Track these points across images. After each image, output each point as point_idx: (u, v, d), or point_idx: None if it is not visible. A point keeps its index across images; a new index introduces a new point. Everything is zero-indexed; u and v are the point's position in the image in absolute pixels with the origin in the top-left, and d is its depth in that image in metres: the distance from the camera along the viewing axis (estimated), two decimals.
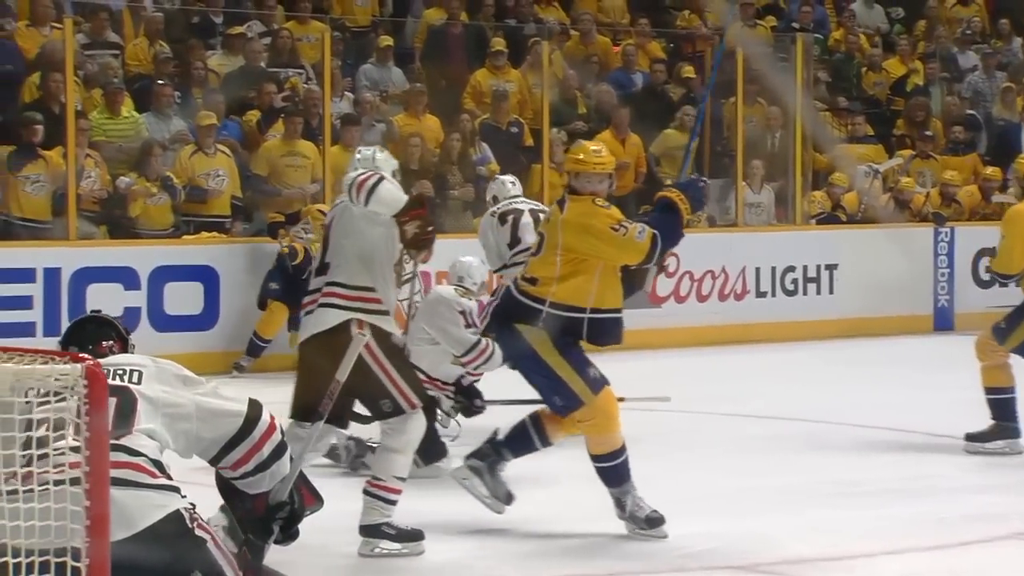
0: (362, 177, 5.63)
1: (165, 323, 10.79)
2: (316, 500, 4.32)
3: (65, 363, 2.86)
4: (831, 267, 13.44)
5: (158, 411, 3.80)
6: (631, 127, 13.11)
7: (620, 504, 5.89)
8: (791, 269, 13.33)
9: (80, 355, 2.94)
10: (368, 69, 13.44)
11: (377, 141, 12.46)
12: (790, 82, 13.55)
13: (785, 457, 7.56)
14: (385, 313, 5.76)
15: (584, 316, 5.87)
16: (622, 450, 5.89)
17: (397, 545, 5.71)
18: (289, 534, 4.04)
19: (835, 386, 9.16)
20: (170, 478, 3.83)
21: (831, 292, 13.43)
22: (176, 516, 3.73)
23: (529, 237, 7.56)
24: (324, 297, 5.75)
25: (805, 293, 13.39)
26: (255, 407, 3.88)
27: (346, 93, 12.86)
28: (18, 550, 3.00)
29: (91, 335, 4.01)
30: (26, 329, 10.17)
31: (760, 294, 13.13)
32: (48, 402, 3.25)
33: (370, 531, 5.76)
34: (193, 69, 12.30)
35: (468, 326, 7.19)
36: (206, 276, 11.03)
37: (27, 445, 3.12)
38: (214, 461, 3.89)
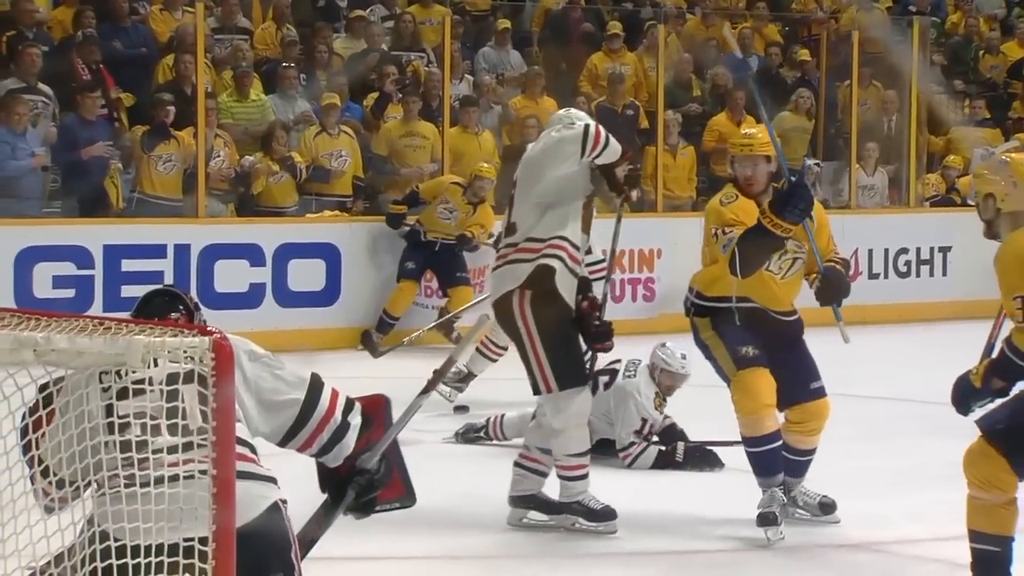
0: (592, 130, 5.63)
1: (289, 299, 10.89)
2: (406, 492, 4.19)
3: (194, 335, 2.86)
4: (945, 249, 13.22)
5: (241, 399, 3.74)
6: (745, 110, 12.98)
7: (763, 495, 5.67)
8: (904, 251, 13.15)
9: (207, 327, 2.94)
10: (487, 52, 13.44)
11: (494, 123, 12.49)
12: (908, 60, 13.35)
13: (899, 439, 7.45)
14: (575, 260, 5.66)
15: (732, 306, 5.67)
16: (764, 438, 5.63)
17: (593, 524, 5.70)
18: (362, 504, 3.97)
19: (949, 368, 8.95)
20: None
21: (944, 274, 13.22)
22: (274, 507, 3.73)
23: None
24: (514, 254, 5.69)
25: (918, 275, 13.19)
26: (313, 391, 3.82)
27: (465, 76, 12.87)
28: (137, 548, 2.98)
29: (159, 308, 3.94)
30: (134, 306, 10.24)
31: (873, 276, 12.96)
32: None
33: (517, 501, 5.78)
34: (317, 52, 12.38)
35: (640, 432, 6.81)
36: (328, 253, 11.11)
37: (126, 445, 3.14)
38: (280, 445, 3.86)
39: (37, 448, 3.11)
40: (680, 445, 6.83)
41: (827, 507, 5.88)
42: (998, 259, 4.65)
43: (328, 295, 11.07)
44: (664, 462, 6.74)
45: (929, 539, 5.61)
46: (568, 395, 5.59)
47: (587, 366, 5.84)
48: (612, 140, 5.68)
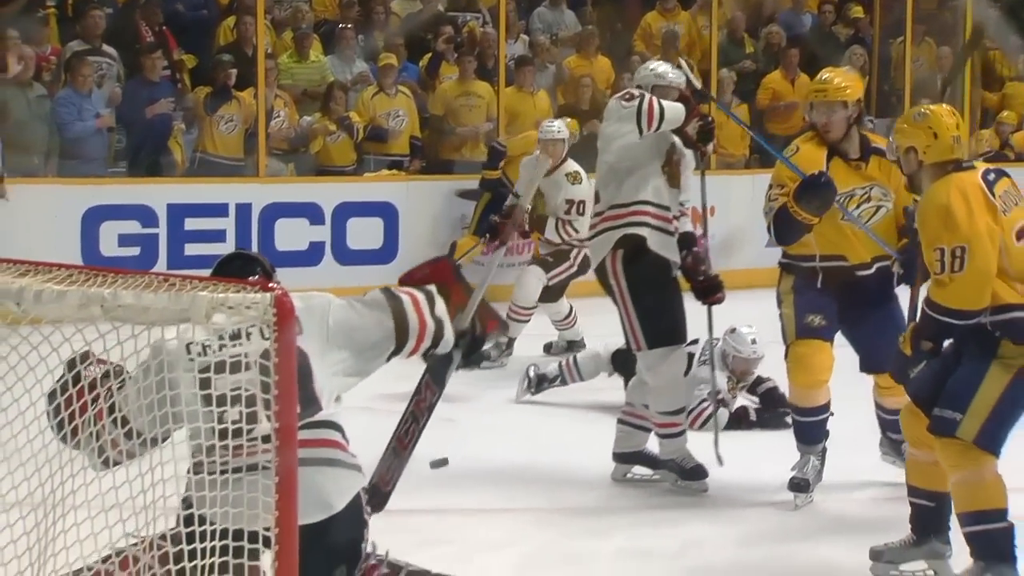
0: (644, 107, 5.58)
1: (348, 257, 10.94)
2: (500, 325, 4.35)
3: (256, 291, 2.88)
4: None
5: (324, 361, 3.79)
6: (800, 67, 12.87)
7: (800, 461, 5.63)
8: None
9: (269, 284, 2.96)
10: (542, 12, 13.37)
11: (549, 83, 12.45)
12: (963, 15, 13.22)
13: None
14: (663, 219, 5.67)
15: (816, 265, 5.53)
16: (813, 411, 5.55)
17: (687, 482, 5.73)
18: (471, 360, 4.11)
19: None
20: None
21: None
22: (357, 500, 3.77)
23: None
24: (601, 223, 5.74)
25: None
26: (398, 315, 3.85)
27: (520, 35, 12.82)
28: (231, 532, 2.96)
29: (237, 271, 3.99)
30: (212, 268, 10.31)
31: None
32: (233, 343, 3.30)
33: (622, 457, 5.82)
34: (375, 13, 12.38)
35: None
36: (386, 212, 11.14)
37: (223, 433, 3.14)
38: (397, 350, 3.90)
39: (69, 424, 3.13)
40: (751, 407, 6.82)
41: None
42: (919, 212, 4.60)
43: (386, 253, 11.10)
44: (736, 423, 6.73)
45: None
46: (660, 353, 5.62)
47: (683, 324, 5.76)
48: (669, 108, 5.61)
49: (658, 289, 5.64)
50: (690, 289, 5.74)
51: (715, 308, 5.90)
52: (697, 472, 5.72)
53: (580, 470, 6.00)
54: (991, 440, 4.42)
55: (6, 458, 3.07)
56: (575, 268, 8.85)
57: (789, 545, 5.06)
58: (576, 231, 8.75)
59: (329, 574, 3.72)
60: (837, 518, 5.29)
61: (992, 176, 4.58)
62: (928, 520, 4.62)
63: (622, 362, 7.12)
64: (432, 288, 3.96)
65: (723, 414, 6.71)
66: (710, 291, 5.74)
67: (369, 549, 3.84)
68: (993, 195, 4.50)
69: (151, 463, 2.95)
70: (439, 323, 3.90)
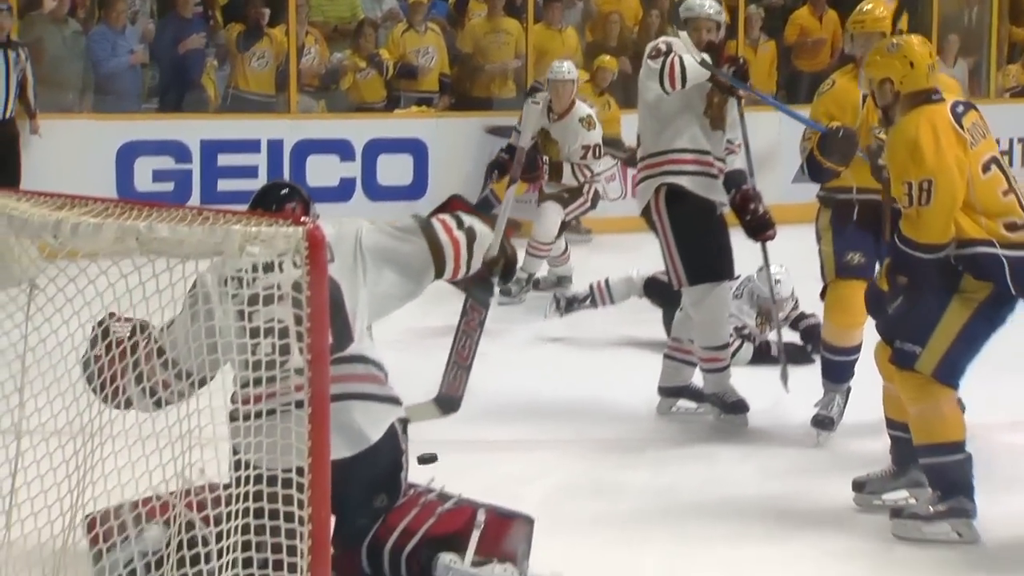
0: (666, 68, 5.51)
1: (378, 193, 10.94)
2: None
3: (288, 225, 2.88)
4: None
5: (357, 290, 3.82)
6: (828, 3, 12.73)
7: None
8: None
9: (301, 217, 2.96)
10: None
11: (577, 20, 12.37)
12: None
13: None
14: (704, 163, 5.63)
15: (852, 198, 5.44)
16: (846, 350, 5.48)
17: (730, 416, 5.73)
18: (508, 280, 4.14)
19: None
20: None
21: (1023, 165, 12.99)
22: (392, 431, 3.80)
23: None
24: (644, 170, 5.74)
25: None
26: (433, 239, 3.90)
27: None
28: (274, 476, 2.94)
29: (276, 200, 4.01)
30: (251, 197, 10.35)
31: None
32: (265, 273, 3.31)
33: (667, 392, 5.87)
34: None
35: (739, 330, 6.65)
36: (416, 148, 11.13)
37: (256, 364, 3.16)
38: (438, 274, 3.97)
39: (111, 385, 3.13)
40: (773, 342, 6.79)
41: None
42: (888, 145, 4.57)
43: (416, 189, 11.09)
44: (760, 358, 6.72)
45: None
46: (702, 289, 5.61)
47: (726, 261, 5.72)
48: (691, 68, 5.51)
49: (700, 227, 5.62)
50: (740, 226, 5.70)
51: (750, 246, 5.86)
52: (738, 406, 5.73)
53: (610, 404, 6.01)
54: (949, 374, 4.42)
55: (45, 388, 3.09)
56: (588, 203, 8.88)
57: (811, 481, 5.06)
58: (592, 171, 8.76)
59: (369, 504, 3.77)
60: (858, 456, 5.28)
61: (961, 109, 4.55)
62: (907, 451, 4.62)
63: (655, 290, 7.13)
64: (457, 213, 4.03)
65: (747, 349, 6.71)
66: (760, 228, 5.70)
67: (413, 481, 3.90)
68: (962, 128, 4.46)
69: None
70: (470, 236, 3.95)
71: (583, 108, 8.81)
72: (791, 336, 6.84)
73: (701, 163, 5.63)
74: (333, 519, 3.03)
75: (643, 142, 5.78)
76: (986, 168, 4.48)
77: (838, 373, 5.52)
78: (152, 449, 3.00)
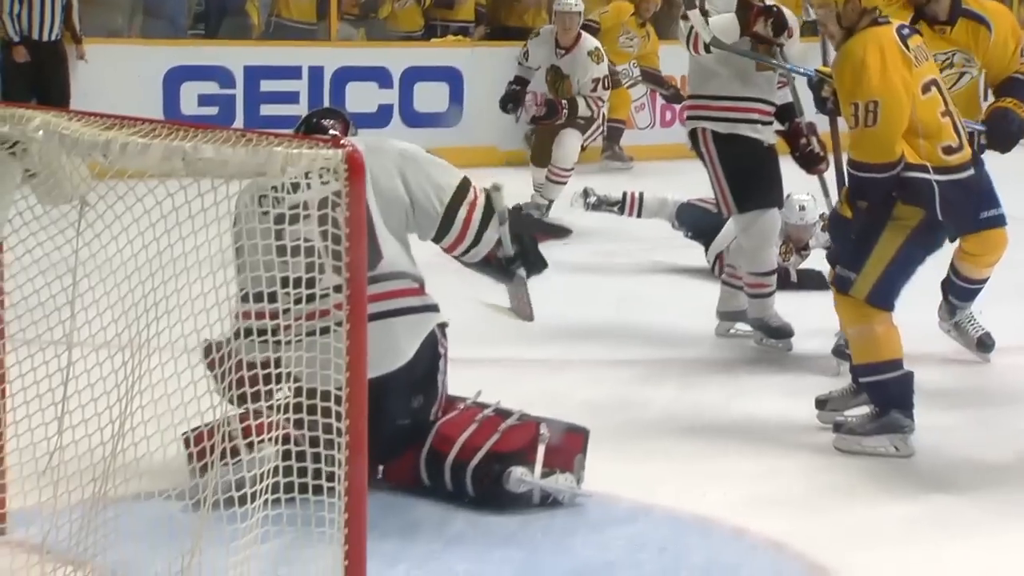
0: (690, 37, 5.42)
1: (414, 119, 10.92)
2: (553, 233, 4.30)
3: (328, 148, 2.87)
4: None
5: (390, 208, 3.83)
6: None
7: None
8: None
9: (340, 140, 2.94)
10: None
11: None
12: None
13: None
14: (746, 110, 5.54)
15: None
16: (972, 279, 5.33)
17: (773, 340, 5.69)
18: (537, 270, 4.08)
19: None
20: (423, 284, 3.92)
21: None
22: (431, 338, 3.84)
23: None
24: (690, 110, 5.71)
25: None
26: (448, 217, 3.88)
27: None
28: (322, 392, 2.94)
29: (318, 125, 4.04)
30: (292, 122, 10.28)
31: None
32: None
33: (725, 316, 5.83)
34: None
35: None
36: (451, 77, 11.08)
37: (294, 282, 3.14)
38: (435, 240, 3.94)
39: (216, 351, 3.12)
40: (792, 268, 6.73)
41: (984, 345, 5.51)
42: (835, 68, 4.49)
43: (451, 116, 11.06)
44: (780, 284, 6.65)
45: None
46: (750, 216, 5.55)
47: (774, 189, 5.65)
48: (719, 31, 5.38)
49: (748, 160, 5.53)
50: (792, 158, 5.63)
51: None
52: (781, 331, 5.69)
53: (641, 327, 5.98)
54: (883, 298, 4.42)
55: (95, 301, 3.10)
56: (603, 129, 8.87)
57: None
58: (604, 100, 8.73)
59: (407, 406, 3.82)
60: None
61: (906, 31, 4.47)
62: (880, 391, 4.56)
63: (687, 217, 7.06)
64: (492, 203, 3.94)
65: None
66: (810, 162, 5.62)
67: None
68: (907, 48, 4.39)
69: (220, 310, 2.96)
70: (483, 226, 3.90)
71: (590, 41, 8.72)
72: (816, 263, 6.80)
73: (747, 109, 5.54)
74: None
75: (690, 81, 5.76)
76: (926, 89, 4.42)
77: (966, 294, 5.39)
78: (196, 361, 3.01)
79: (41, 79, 9.60)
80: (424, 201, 3.89)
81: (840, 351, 5.37)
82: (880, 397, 4.46)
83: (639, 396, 5.08)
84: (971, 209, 4.61)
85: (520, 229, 4.05)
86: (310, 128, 4.03)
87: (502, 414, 3.88)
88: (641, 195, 7.44)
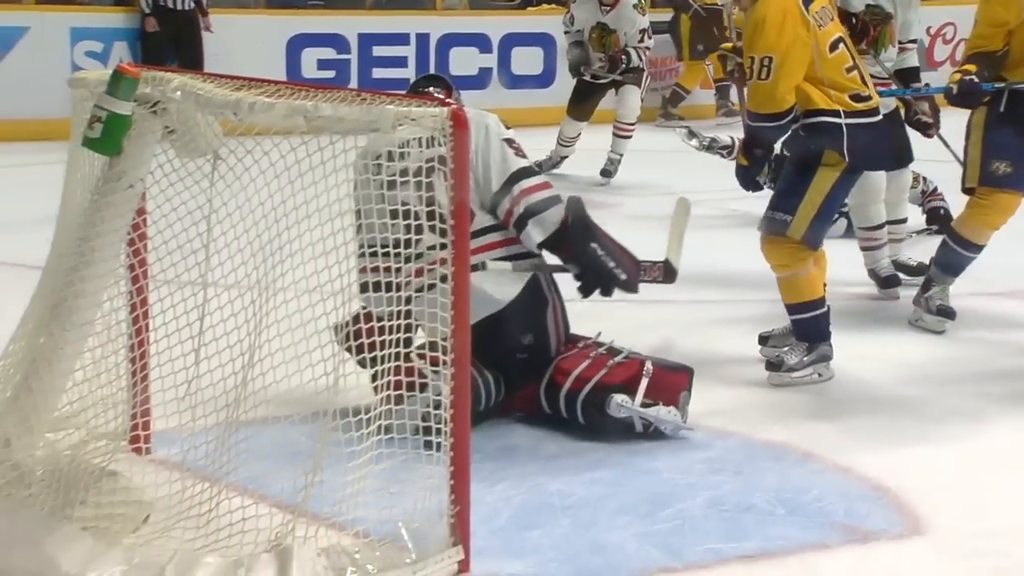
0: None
1: (511, 82, 10.89)
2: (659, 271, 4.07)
3: (435, 106, 2.85)
4: None
5: (478, 167, 3.78)
6: None
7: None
8: None
9: (446, 99, 2.93)
10: None
11: None
12: None
13: None
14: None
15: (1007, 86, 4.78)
16: (973, 246, 4.89)
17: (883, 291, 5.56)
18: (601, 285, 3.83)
19: None
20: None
21: None
22: (532, 282, 3.84)
23: None
24: None
25: None
26: (501, 192, 3.79)
27: None
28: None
29: (422, 89, 4.03)
30: (401, 84, 10.33)
31: None
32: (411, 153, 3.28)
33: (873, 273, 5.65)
34: None
35: None
36: (546, 42, 11.01)
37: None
38: (489, 211, 3.84)
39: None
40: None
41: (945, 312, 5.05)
42: (744, 24, 4.42)
43: (545, 78, 11.01)
44: (852, 232, 6.51)
45: None
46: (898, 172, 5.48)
47: (882, 150, 5.19)
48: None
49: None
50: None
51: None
52: (890, 281, 5.55)
53: (718, 269, 5.88)
54: (815, 238, 4.39)
55: (227, 245, 3.12)
56: (649, 77, 8.80)
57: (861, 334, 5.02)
58: (649, 49, 8.63)
59: (519, 343, 3.85)
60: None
61: None
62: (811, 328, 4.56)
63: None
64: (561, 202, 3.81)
65: (841, 223, 6.56)
66: (919, 128, 5.49)
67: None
68: (808, 12, 4.30)
69: (337, 255, 2.96)
70: (529, 213, 3.77)
71: None
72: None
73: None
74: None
75: None
76: (833, 47, 4.36)
77: (955, 266, 5.01)
78: (317, 300, 3.02)
79: (178, 45, 9.68)
80: (485, 173, 3.83)
81: (945, 311, 5.04)
82: (808, 332, 4.43)
83: (716, 333, 5.03)
84: (884, 149, 4.55)
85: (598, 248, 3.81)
86: (417, 93, 4.01)
87: (613, 352, 3.88)
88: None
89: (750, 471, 3.60)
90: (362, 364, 3.18)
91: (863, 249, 5.64)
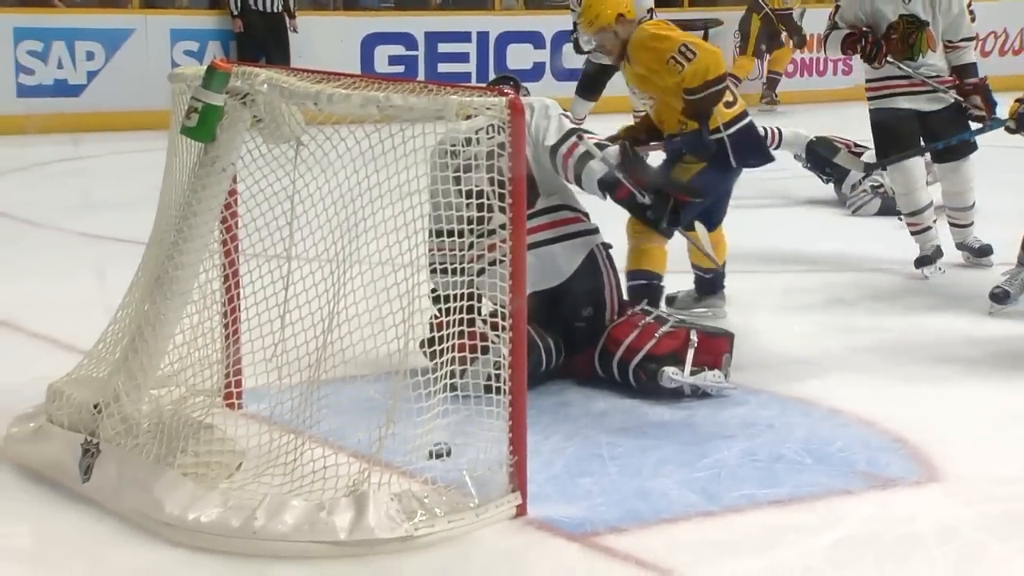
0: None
1: (562, 75, 10.81)
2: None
3: (494, 95, 2.84)
4: None
5: (539, 150, 3.77)
6: None
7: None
8: None
9: (504, 89, 2.91)
10: None
11: None
12: None
13: None
14: (904, 94, 5.27)
15: None
16: None
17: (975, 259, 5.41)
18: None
19: None
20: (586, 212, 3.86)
21: None
22: (591, 257, 3.82)
23: None
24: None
25: None
26: (567, 136, 3.76)
27: None
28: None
29: (491, 83, 4.05)
30: (464, 78, 10.36)
31: None
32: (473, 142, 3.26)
33: (960, 247, 5.49)
34: None
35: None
36: None
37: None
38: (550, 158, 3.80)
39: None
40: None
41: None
42: (635, 65, 4.38)
43: None
44: (885, 211, 6.34)
45: None
46: (895, 166, 5.28)
47: (909, 141, 5.27)
48: (829, 42, 5.27)
49: (890, 115, 5.25)
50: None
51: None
52: (926, 260, 5.29)
53: (755, 246, 5.80)
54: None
55: (308, 223, 3.12)
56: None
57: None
58: None
59: (579, 314, 3.83)
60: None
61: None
62: (705, 284, 4.66)
63: (814, 154, 6.57)
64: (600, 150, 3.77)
65: (875, 203, 6.46)
66: (976, 120, 5.27)
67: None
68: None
69: (407, 230, 2.95)
70: (579, 168, 3.74)
71: None
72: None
73: (904, 86, 5.25)
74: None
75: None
76: None
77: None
78: (389, 272, 3.01)
79: (268, 44, 9.72)
80: (544, 135, 3.79)
81: (996, 296, 4.72)
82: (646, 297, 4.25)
83: (751, 300, 4.96)
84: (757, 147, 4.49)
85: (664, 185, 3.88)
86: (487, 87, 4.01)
87: (660, 320, 3.84)
88: (779, 128, 7.12)
89: (781, 425, 3.56)
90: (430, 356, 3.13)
91: (911, 234, 5.34)
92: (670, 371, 3.71)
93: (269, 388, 3.13)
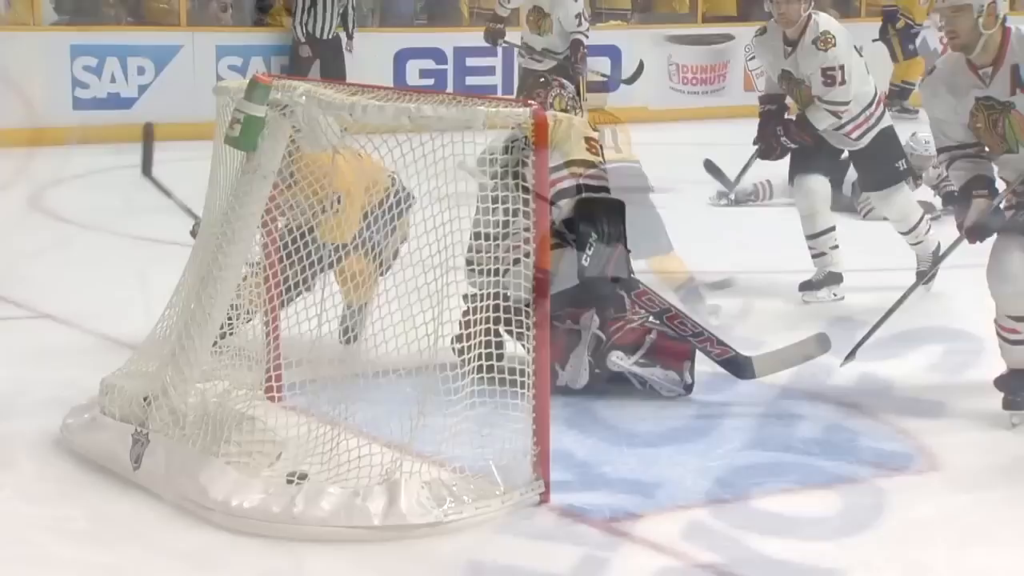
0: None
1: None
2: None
3: (519, 106, 2.83)
4: None
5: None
6: None
7: None
8: None
9: (528, 100, 2.90)
10: None
11: None
12: None
13: None
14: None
15: None
16: None
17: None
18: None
19: None
20: None
21: None
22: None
23: None
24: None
25: None
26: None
27: None
28: None
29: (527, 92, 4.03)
30: (490, 90, 10.35)
31: None
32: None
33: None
34: None
35: None
36: (612, 53, 10.94)
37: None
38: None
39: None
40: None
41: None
42: None
43: (611, 84, 10.90)
44: None
45: None
46: (887, 193, 5.13)
47: (902, 168, 5.13)
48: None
49: (886, 141, 5.11)
50: None
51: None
52: (809, 285, 5.10)
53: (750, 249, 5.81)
54: None
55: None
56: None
57: None
58: (587, 36, 8.16)
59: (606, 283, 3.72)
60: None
61: None
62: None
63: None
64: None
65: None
66: None
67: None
68: None
69: (437, 234, 2.94)
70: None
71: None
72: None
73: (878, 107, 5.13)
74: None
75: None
76: None
77: None
78: (419, 272, 3.01)
79: (323, 66, 9.82)
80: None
81: None
82: None
83: (761, 301, 4.92)
84: None
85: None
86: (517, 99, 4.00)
87: (644, 320, 3.75)
88: (768, 181, 6.81)
89: (790, 417, 3.55)
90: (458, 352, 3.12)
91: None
92: (615, 356, 3.67)
93: (307, 382, 3.14)
